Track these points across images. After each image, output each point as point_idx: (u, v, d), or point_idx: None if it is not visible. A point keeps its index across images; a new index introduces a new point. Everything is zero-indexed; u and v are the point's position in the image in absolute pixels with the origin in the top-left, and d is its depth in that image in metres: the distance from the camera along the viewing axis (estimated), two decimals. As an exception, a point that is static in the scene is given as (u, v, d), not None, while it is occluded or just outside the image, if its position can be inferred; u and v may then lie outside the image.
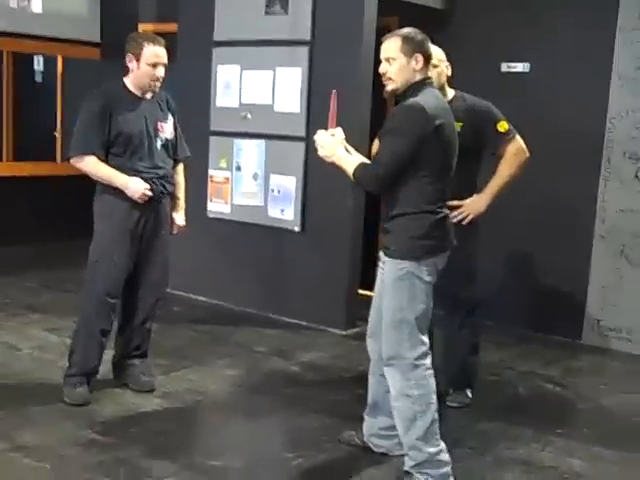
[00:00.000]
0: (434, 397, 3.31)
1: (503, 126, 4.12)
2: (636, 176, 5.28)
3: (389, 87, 3.31)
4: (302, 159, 5.60)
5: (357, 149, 5.03)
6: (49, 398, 4.03)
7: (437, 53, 4.14)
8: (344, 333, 5.48)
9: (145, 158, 3.99)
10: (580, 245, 5.51)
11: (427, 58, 3.29)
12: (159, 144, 4.07)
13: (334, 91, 3.44)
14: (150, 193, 3.95)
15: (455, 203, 3.94)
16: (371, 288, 6.34)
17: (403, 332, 3.26)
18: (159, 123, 4.07)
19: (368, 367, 4.72)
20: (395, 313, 3.27)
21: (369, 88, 5.39)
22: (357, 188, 5.33)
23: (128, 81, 4.02)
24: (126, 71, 4.02)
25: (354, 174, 3.26)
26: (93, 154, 3.91)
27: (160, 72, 3.97)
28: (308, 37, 5.53)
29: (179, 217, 4.29)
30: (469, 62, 5.68)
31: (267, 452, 3.71)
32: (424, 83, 3.29)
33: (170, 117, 4.16)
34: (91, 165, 3.93)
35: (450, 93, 4.20)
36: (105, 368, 4.31)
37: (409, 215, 3.23)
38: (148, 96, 4.04)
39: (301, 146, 5.59)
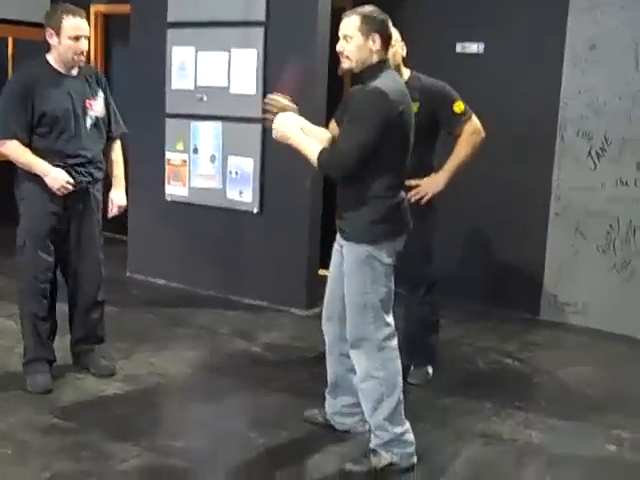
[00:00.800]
0: (400, 378, 3.33)
1: (459, 106, 4.15)
2: (589, 154, 5.37)
3: (345, 65, 3.25)
4: (259, 141, 5.58)
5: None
6: (8, 385, 3.99)
7: (396, 34, 4.16)
8: (305, 313, 5.50)
9: (72, 139, 3.85)
10: (536, 222, 5.59)
11: (386, 39, 3.23)
12: (89, 123, 3.92)
13: (291, 65, 3.44)
14: (70, 187, 3.82)
15: (413, 182, 3.97)
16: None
17: (368, 315, 3.25)
18: (87, 101, 3.92)
19: (327, 347, 4.83)
20: (359, 297, 3.25)
21: (325, 69, 5.39)
22: (316, 170, 5.35)
23: (51, 58, 3.87)
24: (48, 47, 3.87)
25: (318, 160, 3.20)
26: (14, 138, 3.77)
27: (83, 45, 3.81)
28: (263, 18, 5.49)
29: (118, 196, 4.15)
30: (424, 42, 5.70)
31: (230, 432, 3.72)
32: (382, 65, 3.23)
33: (100, 93, 4.00)
34: (12, 150, 3.79)
35: (406, 73, 4.22)
36: (65, 353, 4.27)
37: (368, 199, 3.21)
38: (74, 72, 3.89)
39: (258, 128, 5.56)
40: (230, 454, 3.49)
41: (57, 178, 3.79)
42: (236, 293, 5.79)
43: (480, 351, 4.91)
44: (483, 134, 4.19)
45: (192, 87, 5.88)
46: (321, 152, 3.20)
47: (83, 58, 3.87)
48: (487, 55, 5.72)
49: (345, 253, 3.31)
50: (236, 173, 5.72)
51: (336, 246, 3.45)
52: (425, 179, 4.13)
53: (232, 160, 5.73)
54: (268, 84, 5.51)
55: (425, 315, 4.31)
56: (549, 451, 3.56)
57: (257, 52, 5.53)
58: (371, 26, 3.19)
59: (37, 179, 3.82)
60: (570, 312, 5.52)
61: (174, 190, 6.05)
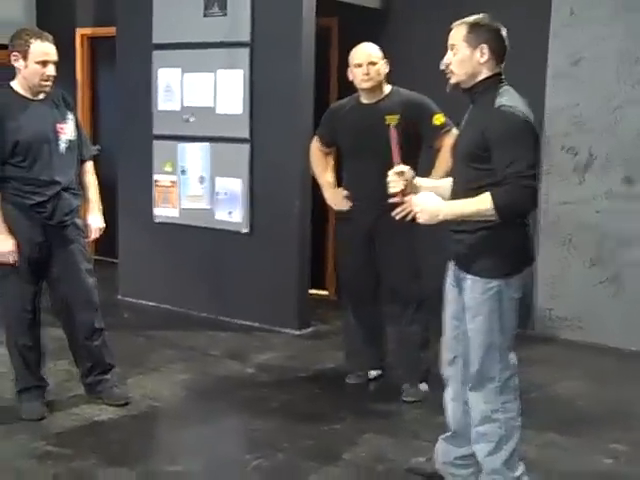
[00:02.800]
0: (519, 419, 3.09)
1: (439, 119, 4.18)
2: (575, 169, 5.41)
3: (452, 80, 3.00)
4: (247, 161, 5.59)
5: (299, 149, 5.13)
6: (1, 412, 3.97)
7: (374, 51, 4.21)
8: (297, 333, 5.49)
9: (46, 166, 3.77)
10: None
11: (496, 50, 2.95)
12: (62, 147, 3.84)
13: (392, 128, 3.25)
14: (12, 261, 3.74)
15: (398, 200, 3.98)
16: (324, 288, 6.43)
17: (494, 355, 3.01)
18: (58, 125, 3.83)
19: (322, 366, 4.83)
20: (486, 336, 2.99)
21: (311, 87, 5.42)
22: (306, 190, 5.37)
23: (16, 84, 3.80)
24: (14, 74, 3.79)
25: (496, 205, 2.76)
26: None
27: (50, 70, 3.73)
28: (248, 38, 5.52)
29: (95, 220, 4.08)
30: (408, 61, 5.75)
31: (226, 455, 3.71)
32: (497, 80, 2.97)
33: (70, 116, 3.91)
34: None
35: (387, 88, 4.27)
36: (59, 379, 4.25)
37: (497, 228, 2.87)
38: (41, 96, 3.81)
39: (245, 148, 5.58)
40: (225, 477, 3.49)
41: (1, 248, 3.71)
42: (228, 314, 5.77)
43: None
44: (464, 146, 4.19)
45: (179, 108, 5.89)
46: (492, 196, 2.79)
47: (50, 83, 3.79)
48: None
49: (468, 287, 3.02)
50: (225, 194, 5.72)
51: (450, 279, 3.17)
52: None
53: (220, 181, 5.73)
54: (255, 104, 5.54)
55: (417, 332, 4.32)
56: (546, 466, 3.56)
57: (243, 72, 5.55)
58: (479, 35, 2.94)
59: (16, 208, 3.77)
60: (563, 326, 5.54)
61: (163, 212, 6.04)
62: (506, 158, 2.79)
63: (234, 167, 5.65)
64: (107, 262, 6.93)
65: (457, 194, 3.03)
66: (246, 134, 5.59)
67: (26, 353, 3.94)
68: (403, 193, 3.13)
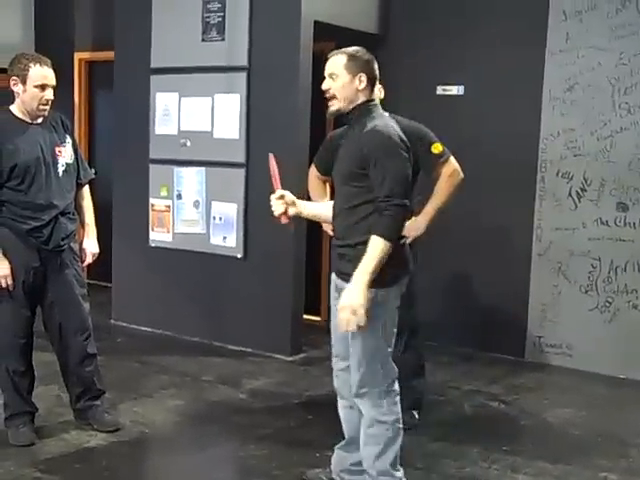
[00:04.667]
0: (401, 422, 3.28)
1: (437, 148, 4.18)
2: (570, 195, 5.42)
3: (334, 107, 3.21)
4: (243, 186, 5.60)
5: (295, 173, 5.14)
6: (-11, 438, 3.95)
7: None
8: (290, 359, 5.47)
9: (44, 189, 3.78)
10: (519, 264, 5.62)
11: (372, 79, 3.19)
12: (60, 170, 3.86)
13: (270, 154, 3.37)
14: (4, 285, 3.75)
15: (283, 220, 3.98)
16: (316, 313, 6.42)
17: (377, 362, 3.17)
18: (57, 148, 3.86)
19: (315, 392, 4.81)
20: (365, 343, 3.14)
21: (307, 112, 5.44)
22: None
23: (15, 108, 3.82)
24: (13, 98, 3.82)
25: (384, 237, 3.00)
26: None
27: (49, 94, 3.76)
28: (245, 63, 5.55)
29: (91, 245, 4.09)
30: (405, 86, 5.79)
31: (216, 482, 3.69)
32: (371, 105, 3.20)
33: (68, 139, 3.95)
34: None
35: (383, 116, 4.27)
36: (49, 404, 4.23)
37: None
38: (39, 120, 3.84)
39: (241, 173, 5.60)
40: (216, 506, 3.46)
41: None
42: (221, 339, 5.76)
43: (466, 394, 4.90)
44: (462, 175, 4.21)
45: (176, 132, 5.92)
46: (377, 235, 3.01)
47: (48, 107, 3.81)
48: (467, 97, 5.79)
49: None
50: (220, 218, 5.73)
51: (334, 293, 3.31)
52: (406, 223, 4.13)
53: (216, 205, 5.74)
54: (251, 128, 5.57)
55: (410, 359, 4.29)
56: (537, 496, 3.55)
57: (240, 97, 5.58)
58: (358, 65, 3.17)
59: (12, 233, 3.78)
60: (555, 353, 5.53)
61: (158, 236, 6.05)
62: (379, 175, 3.04)
63: (229, 192, 5.67)
64: (100, 286, 6.92)
65: (338, 214, 3.25)
66: (242, 159, 5.61)
67: (17, 379, 3.92)
68: (286, 214, 3.31)
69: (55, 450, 3.85)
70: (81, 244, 4.09)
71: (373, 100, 3.23)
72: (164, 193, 6.00)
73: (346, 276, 3.12)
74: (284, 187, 5.29)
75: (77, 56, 7.51)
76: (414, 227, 4.14)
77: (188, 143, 5.86)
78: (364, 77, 3.17)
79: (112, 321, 6.27)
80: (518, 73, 5.59)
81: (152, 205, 6.06)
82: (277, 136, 5.47)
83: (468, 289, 5.86)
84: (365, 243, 3.04)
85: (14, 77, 3.76)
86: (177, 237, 5.96)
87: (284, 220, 3.32)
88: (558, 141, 5.45)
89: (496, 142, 5.64)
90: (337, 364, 3.43)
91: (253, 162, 5.58)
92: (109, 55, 6.46)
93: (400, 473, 3.29)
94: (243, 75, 5.57)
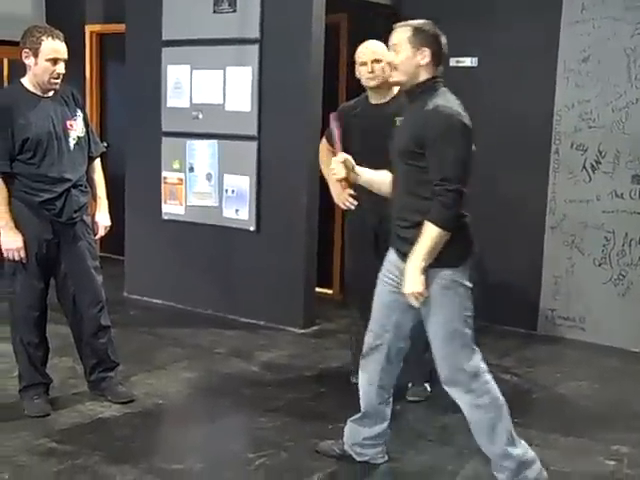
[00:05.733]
0: (502, 398, 3.17)
1: None
2: (584, 167, 5.38)
3: (393, 78, 3.14)
4: (255, 158, 5.59)
5: (307, 146, 5.11)
6: (5, 409, 3.98)
7: (378, 48, 4.18)
8: (302, 332, 5.49)
9: (56, 162, 3.78)
10: (532, 236, 5.59)
11: (436, 55, 3.07)
12: (72, 144, 3.87)
13: (332, 115, 3.36)
14: (19, 257, 3.76)
15: (343, 185, 3.97)
16: (329, 286, 6.42)
17: (456, 344, 3.10)
18: (68, 122, 3.85)
19: (327, 364, 4.83)
20: (446, 326, 3.08)
21: (320, 84, 5.40)
22: (313, 188, 5.37)
23: (26, 80, 3.81)
24: (24, 71, 3.82)
25: (439, 223, 2.95)
26: None
27: (60, 68, 3.75)
28: (257, 35, 5.51)
29: (103, 218, 4.10)
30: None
31: (229, 453, 3.70)
32: (435, 82, 3.08)
33: (79, 113, 3.94)
34: None
35: (395, 88, 4.23)
36: (63, 376, 4.26)
37: None
38: (50, 93, 3.83)
39: (253, 145, 5.58)
40: (229, 476, 3.48)
41: (9, 243, 3.73)
42: (233, 312, 5.78)
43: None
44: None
45: (187, 105, 5.90)
46: (432, 222, 2.96)
47: (59, 81, 3.81)
48: (481, 69, 5.74)
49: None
50: (232, 191, 5.72)
51: (387, 273, 3.25)
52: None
53: (228, 178, 5.73)
54: (263, 101, 5.54)
55: (421, 332, 4.27)
56: (549, 467, 3.52)
57: (252, 69, 5.55)
58: (422, 39, 3.06)
59: (25, 205, 3.79)
60: (567, 326, 5.52)
61: (171, 209, 6.05)
62: (436, 157, 2.96)
63: (242, 164, 5.66)
64: (114, 259, 6.95)
65: (398, 190, 3.18)
66: (254, 131, 5.59)
67: (32, 350, 3.96)
68: (346, 180, 3.32)
69: (69, 421, 3.89)
70: (93, 217, 4.10)
71: (437, 77, 3.11)
72: (176, 166, 5.99)
73: (405, 257, 3.06)
74: (297, 158, 5.37)
75: (88, 29, 7.49)
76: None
77: (200, 116, 5.85)
78: (427, 52, 3.06)
79: (125, 294, 6.30)
80: (533, 44, 5.52)
81: (164, 178, 6.06)
82: (289, 109, 5.44)
83: (481, 261, 5.82)
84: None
85: (26, 49, 3.75)
86: (190, 210, 5.96)
87: (344, 187, 3.32)
88: (573, 113, 5.40)
89: (510, 114, 5.59)
90: (369, 339, 3.38)
91: (265, 135, 5.56)
92: (120, 28, 6.44)
93: (520, 449, 3.18)
94: (255, 47, 5.53)
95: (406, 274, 3.01)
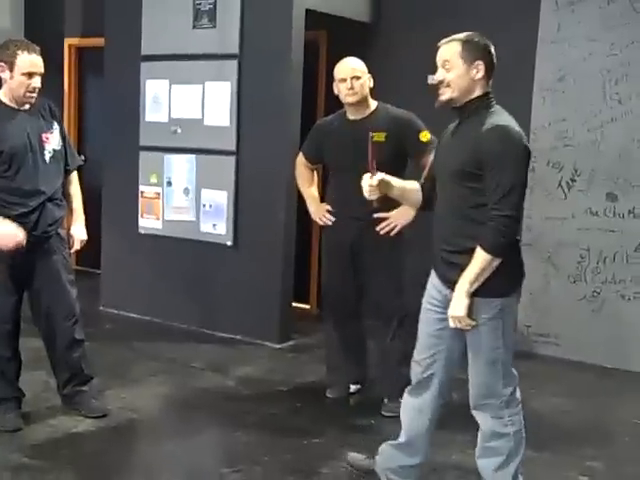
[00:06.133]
0: (524, 431, 3.14)
1: (425, 136, 4.19)
2: (560, 185, 5.43)
3: (444, 96, 2.94)
4: (233, 173, 5.59)
5: (286, 162, 5.13)
6: (-23, 423, 3.94)
7: (358, 65, 4.22)
8: (279, 346, 5.48)
9: (31, 176, 3.76)
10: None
11: (489, 68, 2.93)
12: (47, 157, 3.84)
13: (370, 134, 3.29)
14: (14, 244, 3.63)
15: (382, 215, 3.99)
16: (305, 301, 6.42)
17: (498, 371, 3.01)
18: (44, 135, 3.84)
19: (303, 379, 4.82)
20: (490, 354, 2.99)
21: (298, 100, 5.42)
22: (291, 203, 5.38)
23: (2, 94, 3.80)
24: (0, 84, 3.81)
25: (491, 249, 2.82)
26: None
27: (36, 82, 3.73)
28: (236, 51, 5.53)
29: (78, 231, 4.07)
30: (396, 74, 5.77)
31: (203, 468, 3.69)
32: (490, 98, 2.95)
33: (55, 126, 3.93)
34: None
35: (373, 104, 4.28)
36: (36, 390, 4.23)
37: None
38: (26, 107, 3.81)
39: (231, 160, 5.59)
40: (203, 491, 3.47)
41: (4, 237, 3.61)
42: (210, 326, 5.76)
43: (454, 382, 4.88)
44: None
45: (166, 119, 5.90)
46: (484, 249, 2.82)
47: (35, 95, 3.79)
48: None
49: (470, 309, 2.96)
50: (210, 206, 5.72)
51: (431, 299, 3.14)
52: (394, 211, 4.14)
53: (206, 193, 5.73)
54: (242, 116, 5.55)
55: (398, 348, 4.30)
56: (522, 483, 3.56)
57: (231, 84, 5.56)
58: (474, 52, 2.91)
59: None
60: (543, 342, 5.55)
61: (147, 223, 6.03)
62: (494, 180, 2.80)
63: (220, 179, 5.65)
64: (90, 273, 6.91)
65: (446, 213, 3.02)
66: (232, 146, 5.60)
67: (4, 365, 3.92)
68: (380, 200, 3.23)
69: (42, 436, 3.85)
70: (69, 230, 4.07)
71: (490, 93, 2.97)
72: (154, 180, 5.98)
73: (451, 283, 2.95)
74: (275, 174, 5.38)
75: (67, 42, 7.47)
76: (402, 215, 4.15)
77: (179, 130, 5.85)
78: (482, 65, 2.90)
79: (101, 308, 6.26)
80: (509, 63, 5.54)
81: (142, 192, 6.04)
82: (268, 124, 5.46)
83: (457, 278, 5.87)
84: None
85: (1, 63, 3.73)
86: (167, 224, 5.94)
87: (376, 204, 3.23)
88: (549, 131, 5.46)
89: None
90: (417, 370, 3.25)
91: (243, 150, 5.57)
92: (99, 41, 6.43)
93: None
94: (234, 63, 5.55)
95: (453, 297, 2.91)
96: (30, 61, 3.72)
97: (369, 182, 3.13)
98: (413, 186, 3.27)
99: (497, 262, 2.84)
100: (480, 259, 2.83)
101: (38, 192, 3.81)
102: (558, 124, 5.42)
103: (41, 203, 3.82)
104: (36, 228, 3.82)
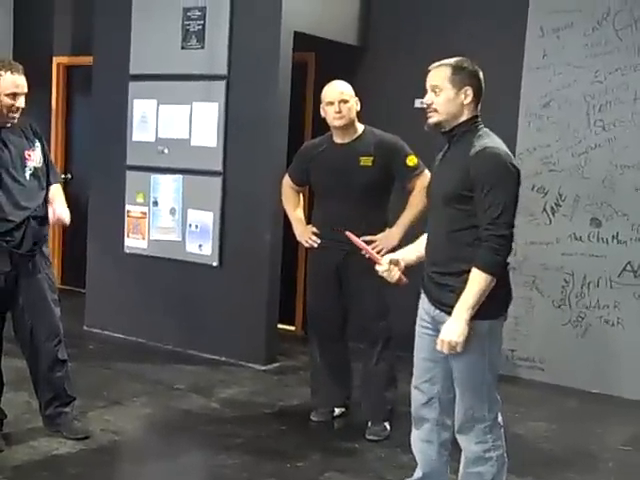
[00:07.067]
0: (506, 456, 3.14)
1: (412, 160, 4.22)
2: (544, 210, 5.47)
3: (432, 119, 3.00)
4: (219, 194, 5.59)
5: (272, 184, 5.14)
6: (-43, 444, 3.90)
7: (346, 89, 4.24)
8: (264, 368, 5.45)
9: (12, 193, 3.75)
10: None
11: (478, 93, 3.00)
12: (28, 174, 3.83)
13: (347, 233, 3.36)
14: None
15: (368, 238, 4.00)
16: (291, 323, 6.41)
17: (482, 394, 3.02)
18: (26, 152, 3.84)
19: (288, 402, 4.81)
20: (475, 376, 3.00)
21: (285, 122, 5.45)
22: (277, 225, 5.38)
23: None
24: None
25: (488, 273, 2.83)
26: None
27: (20, 103, 3.72)
28: (225, 72, 5.55)
29: (61, 208, 3.91)
30: (383, 98, 5.81)
31: (186, 492, 3.66)
32: (477, 122, 3.01)
33: (37, 144, 3.93)
34: None
35: (360, 128, 4.29)
36: (18, 411, 4.19)
37: None
38: (8, 125, 3.80)
39: (218, 181, 5.59)
40: (185, 515, 3.44)
41: None
42: (195, 347, 5.73)
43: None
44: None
45: (153, 139, 5.90)
46: (480, 269, 2.84)
47: (18, 115, 3.78)
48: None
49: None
50: (196, 226, 5.71)
51: (423, 322, 3.16)
52: (380, 234, 4.16)
53: (192, 213, 5.73)
54: (229, 137, 5.57)
55: (383, 370, 4.31)
56: (506, 509, 3.55)
57: (219, 105, 5.57)
58: (463, 77, 2.98)
59: None
60: (527, 367, 5.56)
61: (133, 243, 6.01)
62: (486, 201, 2.84)
63: (206, 200, 5.65)
64: (74, 291, 6.88)
65: (437, 236, 3.06)
66: (219, 167, 5.60)
67: None
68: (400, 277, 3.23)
69: (23, 457, 3.81)
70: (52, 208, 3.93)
71: (478, 117, 3.03)
72: (140, 200, 5.97)
73: (448, 308, 2.94)
74: (261, 195, 5.38)
75: (55, 60, 7.48)
76: (388, 239, 4.17)
77: (166, 150, 5.85)
78: (470, 91, 2.98)
79: (85, 327, 6.21)
80: (495, 89, 5.52)
81: (128, 211, 6.03)
82: (255, 145, 5.47)
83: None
84: (469, 272, 2.86)
85: None
86: (152, 244, 5.93)
87: (402, 282, 3.23)
88: (534, 156, 5.50)
89: (473, 156, 5.66)
90: (417, 396, 3.27)
91: (230, 170, 5.58)
92: (87, 60, 6.44)
93: None
94: (222, 84, 5.56)
95: (450, 321, 2.90)
96: (13, 82, 3.71)
97: (380, 270, 3.21)
98: (414, 248, 3.30)
99: (493, 282, 2.85)
100: (477, 280, 2.85)
101: (20, 207, 3.78)
102: (543, 149, 5.47)
103: (25, 219, 3.79)
104: (21, 246, 3.80)
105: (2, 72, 3.70)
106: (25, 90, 3.77)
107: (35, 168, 3.88)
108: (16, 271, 3.83)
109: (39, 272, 3.91)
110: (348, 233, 3.38)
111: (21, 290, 3.88)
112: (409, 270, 3.29)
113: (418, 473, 3.35)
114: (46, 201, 3.97)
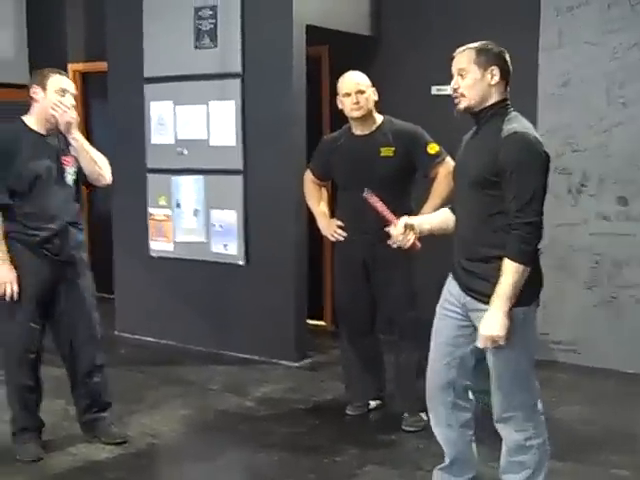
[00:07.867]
0: (548, 442, 3.12)
1: (434, 148, 4.19)
2: (569, 191, 5.41)
3: (461, 105, 2.97)
4: (241, 192, 5.59)
5: (292, 179, 5.13)
6: (-2, 454, 3.93)
7: (362, 79, 4.21)
8: (296, 365, 5.45)
9: (52, 199, 3.80)
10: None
11: (504, 73, 2.96)
12: (69, 178, 3.91)
13: (365, 193, 3.37)
14: (9, 293, 3.73)
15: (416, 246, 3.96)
16: (320, 318, 6.41)
17: (521, 382, 3.02)
18: (64, 158, 3.91)
19: (322, 397, 4.80)
20: (515, 366, 2.99)
21: (303, 116, 5.43)
22: (301, 220, 5.37)
23: (28, 119, 3.87)
24: (27, 109, 3.89)
25: (520, 262, 2.81)
26: None
27: (69, 100, 3.83)
28: (239, 69, 5.54)
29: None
30: (400, 87, 5.78)
31: (226, 492, 3.67)
32: (507, 104, 2.97)
33: (71, 148, 3.96)
34: None
35: (378, 118, 4.27)
36: (56, 419, 4.22)
37: None
38: (47, 132, 3.88)
39: (239, 179, 5.59)
40: (227, 515, 3.45)
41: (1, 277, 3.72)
42: (226, 347, 5.74)
43: (473, 394, 4.86)
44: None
45: (172, 141, 5.91)
46: (511, 259, 2.80)
47: (72, 112, 3.83)
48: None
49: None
50: (220, 226, 5.71)
51: (449, 306, 3.14)
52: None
53: (215, 213, 5.73)
54: (247, 135, 5.56)
55: (414, 361, 4.28)
56: (548, 494, 3.52)
57: (235, 103, 5.57)
58: (489, 58, 2.95)
59: (24, 246, 3.79)
60: (560, 350, 5.51)
61: (158, 246, 6.03)
62: (514, 187, 2.81)
63: (228, 199, 5.65)
64: (103, 297, 6.88)
65: (466, 222, 3.04)
66: (239, 165, 5.60)
67: (27, 394, 3.92)
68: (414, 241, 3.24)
69: (63, 464, 3.84)
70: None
71: (507, 100, 2.99)
72: (163, 202, 5.98)
73: (479, 295, 2.94)
74: (283, 191, 5.37)
75: (71, 68, 7.49)
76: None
77: (185, 151, 5.85)
78: (496, 70, 2.94)
79: (116, 332, 6.25)
80: (512, 70, 5.56)
81: (151, 215, 6.04)
82: (273, 141, 5.46)
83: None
84: (500, 258, 2.83)
85: (35, 86, 3.84)
86: (178, 246, 5.94)
87: (416, 247, 3.24)
88: (555, 137, 5.43)
89: (493, 140, 5.62)
90: (432, 378, 3.26)
91: (250, 168, 5.57)
92: (102, 66, 6.45)
93: None
94: (237, 82, 5.56)
95: (488, 315, 2.86)
96: (62, 80, 3.86)
97: (394, 232, 3.20)
98: (446, 215, 3.28)
99: (527, 271, 2.82)
100: (510, 271, 2.82)
101: (60, 216, 3.84)
102: (564, 129, 5.41)
103: (64, 226, 3.85)
104: (61, 253, 3.85)
105: (50, 74, 3.85)
106: (73, 91, 3.89)
107: (75, 172, 3.94)
108: (57, 278, 3.89)
109: (79, 278, 3.97)
110: (366, 194, 3.37)
111: (61, 296, 3.94)
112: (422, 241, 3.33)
113: (446, 459, 3.35)
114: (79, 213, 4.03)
